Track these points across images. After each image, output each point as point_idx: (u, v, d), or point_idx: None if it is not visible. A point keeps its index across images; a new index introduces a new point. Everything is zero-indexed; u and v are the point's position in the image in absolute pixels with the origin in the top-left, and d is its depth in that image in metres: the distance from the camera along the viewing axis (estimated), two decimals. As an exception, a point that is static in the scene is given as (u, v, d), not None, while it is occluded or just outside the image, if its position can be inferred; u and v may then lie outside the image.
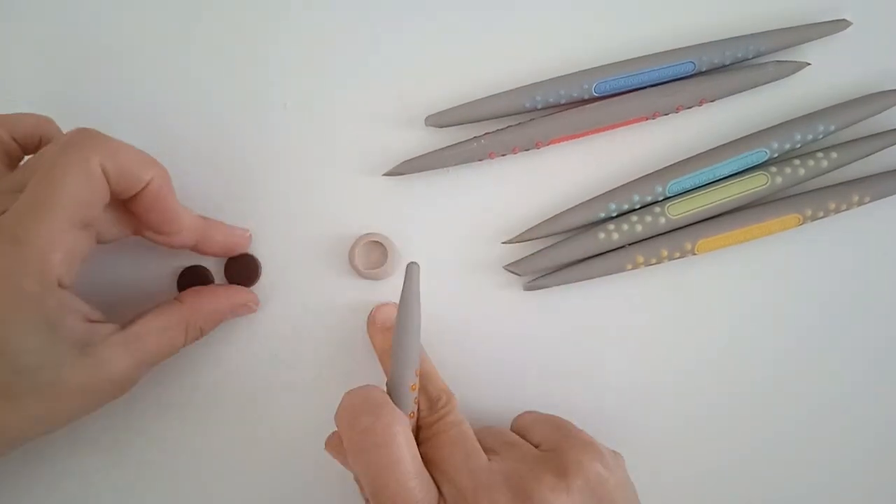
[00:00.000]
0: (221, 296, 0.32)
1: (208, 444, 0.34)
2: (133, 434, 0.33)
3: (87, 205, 0.26)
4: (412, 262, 0.27)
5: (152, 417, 0.34)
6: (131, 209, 0.29)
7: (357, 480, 0.28)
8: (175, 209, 0.29)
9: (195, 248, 0.32)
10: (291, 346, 0.34)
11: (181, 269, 0.34)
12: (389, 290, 0.34)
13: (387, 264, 0.34)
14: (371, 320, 0.33)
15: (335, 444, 0.30)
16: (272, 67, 0.35)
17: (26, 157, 0.31)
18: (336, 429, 0.27)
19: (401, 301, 0.28)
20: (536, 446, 0.29)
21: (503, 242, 0.35)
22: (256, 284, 0.34)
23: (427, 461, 0.27)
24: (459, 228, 0.35)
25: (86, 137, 0.27)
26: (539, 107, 0.35)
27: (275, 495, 0.33)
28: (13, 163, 0.31)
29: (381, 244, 0.34)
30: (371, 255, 0.34)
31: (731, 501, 0.32)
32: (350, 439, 0.26)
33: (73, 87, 0.35)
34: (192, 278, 0.34)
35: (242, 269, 0.34)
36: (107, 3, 0.35)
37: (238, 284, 0.34)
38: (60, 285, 0.27)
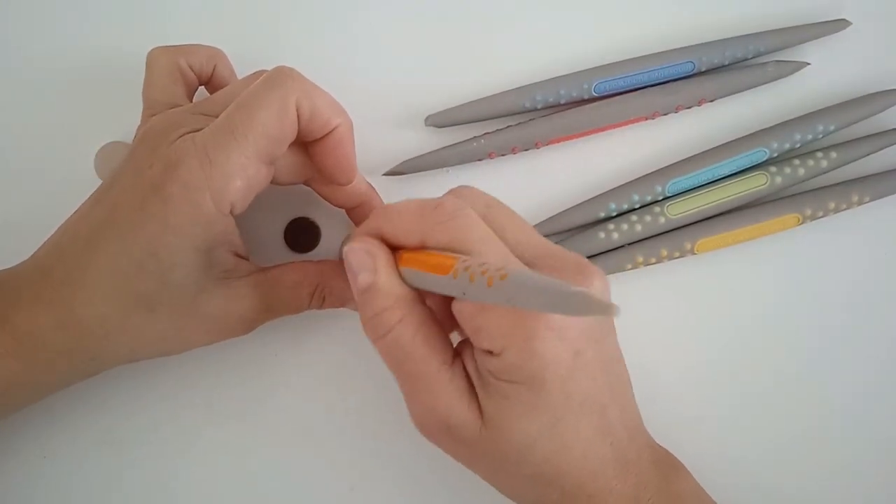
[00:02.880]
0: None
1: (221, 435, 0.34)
2: (136, 425, 0.33)
3: (276, 140, 0.27)
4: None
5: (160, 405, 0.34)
6: (312, 153, 0.30)
7: None
8: (353, 160, 0.30)
9: (350, 211, 0.33)
10: (289, 345, 0.34)
11: (289, 221, 0.35)
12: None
13: None
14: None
15: None
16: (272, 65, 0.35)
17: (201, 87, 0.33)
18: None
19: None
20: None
21: (503, 242, 0.35)
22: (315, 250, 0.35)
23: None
24: (459, 228, 0.35)
25: (287, 76, 0.28)
26: (539, 107, 0.35)
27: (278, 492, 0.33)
28: (191, 91, 0.32)
29: None
30: None
31: (729, 502, 0.32)
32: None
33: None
34: (300, 231, 0.34)
35: (302, 234, 0.34)
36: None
37: (298, 249, 0.34)
38: (231, 212, 0.28)
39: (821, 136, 0.35)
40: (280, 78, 0.28)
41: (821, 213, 0.34)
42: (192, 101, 0.32)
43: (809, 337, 0.35)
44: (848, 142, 0.35)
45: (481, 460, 0.27)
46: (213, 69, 0.33)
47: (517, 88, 0.35)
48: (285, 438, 0.33)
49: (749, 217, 0.34)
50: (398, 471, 0.33)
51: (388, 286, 0.26)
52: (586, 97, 0.35)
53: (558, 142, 0.35)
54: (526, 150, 0.35)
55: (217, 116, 0.28)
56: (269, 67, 0.29)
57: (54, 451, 0.33)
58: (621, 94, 0.35)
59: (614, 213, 0.34)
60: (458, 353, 0.27)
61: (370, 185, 0.33)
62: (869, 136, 0.35)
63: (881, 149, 0.35)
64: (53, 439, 0.33)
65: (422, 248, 0.26)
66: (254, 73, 0.30)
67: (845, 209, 0.35)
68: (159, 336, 0.28)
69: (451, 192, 0.28)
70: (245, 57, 0.33)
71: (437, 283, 0.25)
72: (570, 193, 0.35)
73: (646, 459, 0.27)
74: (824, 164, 0.34)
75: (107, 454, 0.33)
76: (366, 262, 0.26)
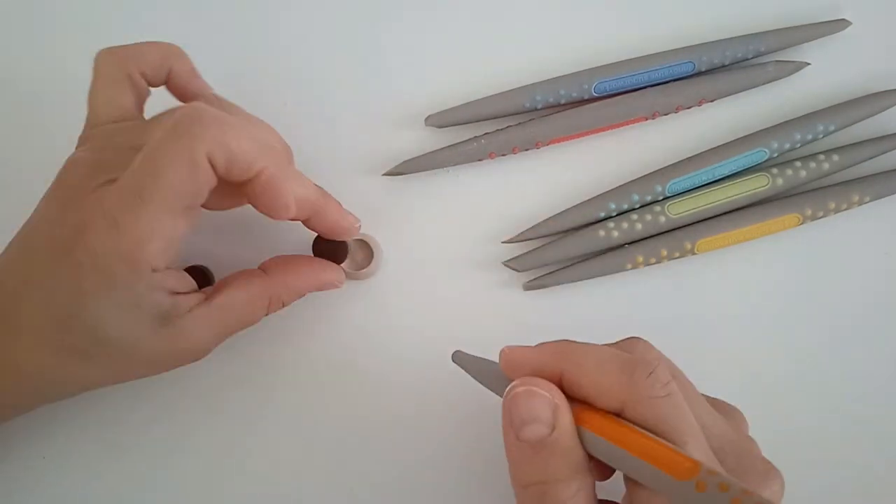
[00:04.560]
0: (307, 271, 0.31)
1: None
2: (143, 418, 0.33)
3: (189, 194, 0.25)
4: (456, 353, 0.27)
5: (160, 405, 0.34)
6: (246, 194, 0.27)
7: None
8: (286, 197, 0.27)
9: (305, 223, 0.31)
10: (288, 347, 0.34)
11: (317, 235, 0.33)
12: (376, 288, 0.34)
13: (372, 264, 0.34)
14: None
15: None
16: (272, 67, 0.35)
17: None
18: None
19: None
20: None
21: (503, 241, 0.35)
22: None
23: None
24: (459, 228, 0.35)
25: (194, 122, 0.25)
26: (539, 107, 0.35)
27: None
28: (142, 99, 0.30)
29: (366, 243, 0.34)
30: (356, 254, 0.34)
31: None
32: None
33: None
34: (328, 245, 0.33)
35: (331, 249, 0.33)
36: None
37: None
38: (154, 270, 0.26)
39: (821, 136, 0.35)
40: (185, 125, 0.25)
41: (821, 213, 0.34)
42: (142, 111, 0.30)
43: (810, 337, 0.35)
44: (850, 145, 0.35)
45: None
46: (170, 70, 0.30)
47: (517, 88, 0.35)
48: (285, 440, 0.33)
49: (749, 217, 0.34)
50: (399, 474, 0.33)
51: (569, 450, 0.22)
52: (586, 97, 0.35)
53: (558, 142, 0.35)
54: (526, 150, 0.35)
55: None
56: (263, 73, 0.28)
57: (53, 451, 0.33)
58: (621, 94, 0.35)
59: (614, 213, 0.34)
60: None
61: (319, 188, 0.30)
62: (871, 140, 0.35)
63: (883, 152, 0.35)
64: (52, 440, 0.33)
65: (617, 414, 0.23)
66: (169, 112, 0.28)
67: (845, 209, 0.35)
68: (103, 378, 0.28)
69: (632, 345, 0.24)
70: (242, 57, 0.33)
71: (646, 474, 0.21)
72: (570, 193, 0.35)
73: None
74: (826, 166, 0.34)
75: (105, 455, 0.33)
76: (542, 411, 0.22)
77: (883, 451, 0.34)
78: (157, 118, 0.29)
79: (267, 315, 0.31)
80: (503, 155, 0.35)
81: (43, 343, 0.26)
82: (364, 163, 0.35)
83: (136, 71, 0.29)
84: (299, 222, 0.30)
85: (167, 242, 0.26)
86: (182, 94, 0.31)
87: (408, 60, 0.36)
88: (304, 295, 0.32)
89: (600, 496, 0.24)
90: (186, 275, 0.29)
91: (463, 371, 0.28)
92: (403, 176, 0.35)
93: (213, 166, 0.25)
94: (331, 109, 0.35)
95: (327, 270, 0.32)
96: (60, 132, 0.30)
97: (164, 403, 0.33)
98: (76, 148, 0.29)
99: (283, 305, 0.31)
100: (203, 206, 0.27)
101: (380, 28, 0.36)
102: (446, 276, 0.35)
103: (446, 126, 0.35)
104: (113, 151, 0.27)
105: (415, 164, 0.34)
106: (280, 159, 0.27)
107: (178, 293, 0.28)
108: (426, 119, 0.35)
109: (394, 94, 0.36)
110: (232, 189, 0.27)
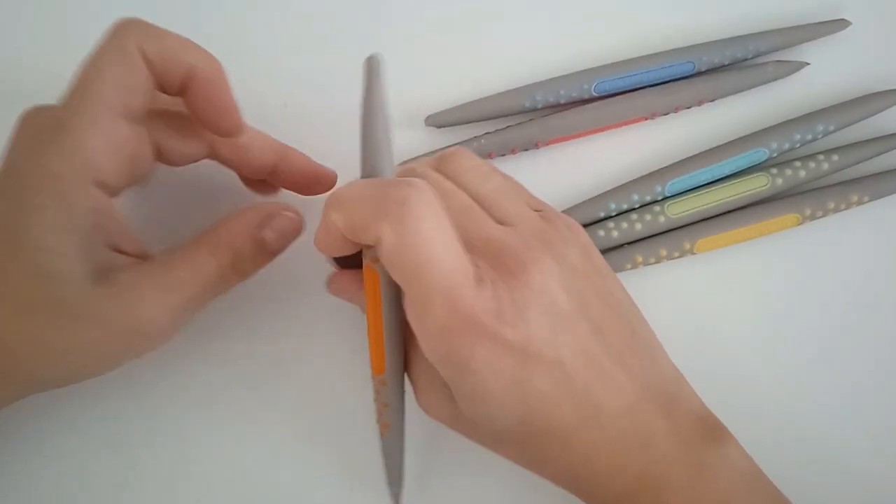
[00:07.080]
0: (247, 210, 0.29)
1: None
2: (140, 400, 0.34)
3: (127, 89, 0.26)
4: (372, 55, 0.26)
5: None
6: (189, 107, 0.28)
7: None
8: (231, 101, 0.28)
9: (275, 177, 0.30)
10: (289, 344, 0.34)
11: None
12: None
13: None
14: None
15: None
16: (272, 68, 0.35)
17: None
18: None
19: (362, 99, 0.26)
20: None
21: (503, 242, 0.35)
22: None
23: None
24: (459, 228, 0.35)
25: (125, 24, 0.26)
26: (539, 107, 0.35)
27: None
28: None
29: None
30: None
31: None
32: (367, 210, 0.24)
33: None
34: None
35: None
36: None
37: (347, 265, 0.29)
38: (102, 184, 0.26)
39: (820, 136, 0.35)
40: (116, 27, 0.26)
41: (820, 213, 0.34)
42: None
43: (809, 337, 0.35)
44: (850, 145, 0.35)
45: None
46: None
47: (517, 88, 0.35)
48: (286, 438, 0.33)
49: (749, 217, 0.34)
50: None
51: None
52: (586, 97, 0.35)
53: (558, 142, 0.35)
54: (526, 150, 0.35)
55: None
56: (263, 75, 0.29)
57: (54, 450, 0.33)
58: (621, 94, 0.35)
59: (614, 213, 0.35)
60: None
61: (282, 144, 0.30)
62: (871, 140, 0.35)
63: (883, 152, 0.35)
64: (53, 439, 0.33)
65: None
66: None
67: (845, 209, 0.35)
68: (62, 348, 0.26)
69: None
70: (241, 58, 0.33)
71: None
72: (570, 193, 0.35)
73: None
74: (825, 166, 0.34)
75: (107, 454, 0.33)
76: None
77: (882, 449, 0.34)
78: None
79: (221, 275, 0.28)
80: (503, 155, 0.35)
81: None
82: (364, 163, 0.35)
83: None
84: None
85: (109, 144, 0.26)
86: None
87: (408, 60, 0.36)
88: (257, 240, 0.28)
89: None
90: (139, 241, 0.27)
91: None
92: (403, 176, 0.35)
93: (146, 60, 0.26)
94: (331, 110, 0.35)
95: (270, 205, 0.29)
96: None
97: (166, 402, 0.33)
98: None
99: (237, 258, 0.28)
100: (165, 160, 0.29)
101: (379, 28, 0.36)
102: (446, 275, 0.35)
103: (446, 126, 0.35)
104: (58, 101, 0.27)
105: (415, 164, 0.34)
106: (215, 62, 0.27)
107: (125, 253, 0.27)
108: (426, 119, 0.35)
109: (394, 94, 0.35)
110: (185, 127, 0.29)
